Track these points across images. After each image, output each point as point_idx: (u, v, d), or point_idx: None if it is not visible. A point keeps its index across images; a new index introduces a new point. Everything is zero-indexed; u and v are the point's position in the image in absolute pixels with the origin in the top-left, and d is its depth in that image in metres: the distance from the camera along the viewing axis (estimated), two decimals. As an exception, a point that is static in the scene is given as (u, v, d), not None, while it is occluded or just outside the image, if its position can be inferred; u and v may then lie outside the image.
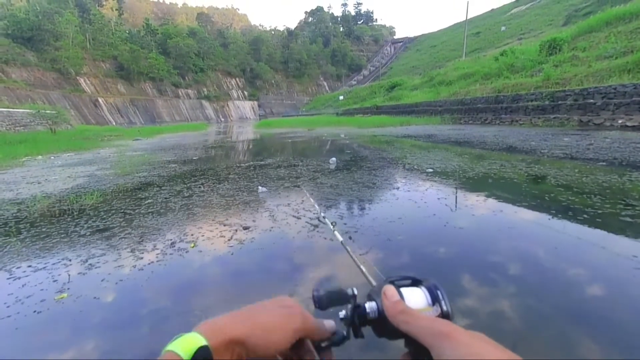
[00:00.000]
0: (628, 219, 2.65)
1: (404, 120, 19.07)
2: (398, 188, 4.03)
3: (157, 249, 2.49)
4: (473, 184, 4.13)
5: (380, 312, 0.34)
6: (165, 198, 4.01)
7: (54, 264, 2.30)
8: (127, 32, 67.02)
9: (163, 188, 4.59)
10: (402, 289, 0.35)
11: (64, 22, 50.89)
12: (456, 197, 3.63)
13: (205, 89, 71.52)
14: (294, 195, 3.91)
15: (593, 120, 10.85)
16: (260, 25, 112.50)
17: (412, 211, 3.13)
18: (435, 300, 0.34)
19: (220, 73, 76.68)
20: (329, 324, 0.38)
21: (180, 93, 66.86)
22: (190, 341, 0.28)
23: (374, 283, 0.42)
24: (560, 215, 2.82)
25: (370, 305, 0.36)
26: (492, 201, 3.38)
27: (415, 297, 0.35)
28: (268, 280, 2.03)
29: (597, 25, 17.44)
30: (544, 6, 49.49)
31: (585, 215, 2.76)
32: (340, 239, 0.95)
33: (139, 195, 4.24)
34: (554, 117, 12.19)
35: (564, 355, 1.30)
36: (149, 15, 79.79)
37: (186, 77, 68.92)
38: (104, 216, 3.34)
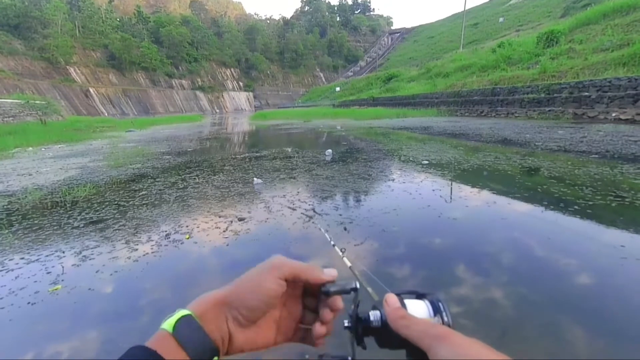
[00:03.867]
0: (618, 210, 2.70)
1: (401, 112, 19.02)
2: (393, 180, 4.05)
3: (152, 240, 2.49)
4: (468, 175, 4.16)
5: (384, 321, 0.35)
6: (160, 190, 3.98)
7: (47, 256, 2.28)
8: (118, 20, 65.37)
9: (157, 180, 4.56)
10: (406, 301, 0.36)
11: (52, 9, 49.43)
12: (451, 188, 3.65)
13: (199, 80, 70.42)
14: (290, 186, 3.91)
15: (587, 113, 10.91)
16: (255, 14, 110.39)
17: (407, 202, 3.15)
18: (436, 311, 0.35)
19: (215, 63, 75.44)
20: (330, 270, 0.37)
21: (174, 83, 65.77)
22: (175, 315, 0.31)
23: (376, 298, 0.42)
24: (552, 207, 2.86)
25: (374, 314, 0.36)
26: (486, 193, 3.41)
27: (418, 309, 0.35)
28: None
29: (595, 18, 17.39)
30: (542, -3, 49.22)
31: (576, 207, 2.80)
32: (349, 264, 0.94)
33: (133, 187, 4.20)
34: (549, 110, 12.24)
35: (553, 341, 1.33)
36: (140, 3, 77.69)
37: (180, 67, 67.72)
38: (98, 208, 3.31)
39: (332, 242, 1.17)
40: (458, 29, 44.60)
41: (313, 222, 1.71)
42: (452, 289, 1.73)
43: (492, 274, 1.85)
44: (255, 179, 4.21)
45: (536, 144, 6.43)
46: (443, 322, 0.34)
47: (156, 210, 3.19)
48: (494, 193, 3.39)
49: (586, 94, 11.07)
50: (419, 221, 2.71)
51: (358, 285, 0.37)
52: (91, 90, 51.78)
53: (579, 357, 1.25)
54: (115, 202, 3.49)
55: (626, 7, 16.16)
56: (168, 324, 0.30)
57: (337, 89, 51.17)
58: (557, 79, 12.85)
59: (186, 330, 0.29)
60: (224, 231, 2.63)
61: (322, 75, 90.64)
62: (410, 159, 5.40)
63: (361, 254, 2.13)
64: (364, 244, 2.28)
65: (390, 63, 62.43)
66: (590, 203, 2.88)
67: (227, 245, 2.38)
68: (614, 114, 10.08)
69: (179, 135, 12.85)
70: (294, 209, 3.06)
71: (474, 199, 3.22)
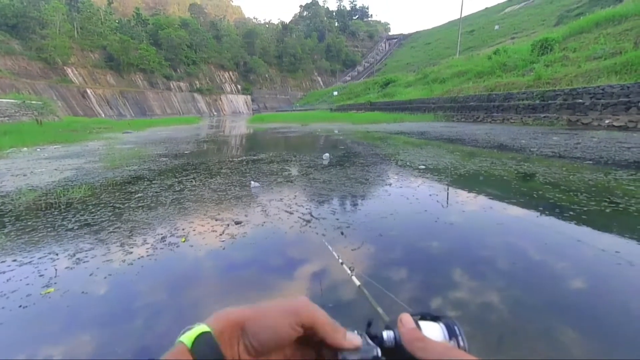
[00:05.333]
0: (612, 216, 2.72)
1: (398, 116, 19.13)
2: (390, 184, 4.06)
3: (147, 243, 2.47)
4: (464, 181, 4.18)
5: (398, 341, 0.34)
6: (156, 192, 3.96)
7: (40, 258, 2.25)
8: (117, 21, 65.30)
9: (154, 182, 4.53)
10: (420, 322, 0.35)
11: (51, 10, 49.25)
12: (447, 193, 3.67)
13: (197, 82, 70.38)
14: (287, 190, 3.90)
15: (581, 119, 11.05)
16: (254, 18, 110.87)
17: (404, 207, 3.16)
18: (452, 335, 0.34)
19: (213, 66, 75.51)
20: (353, 335, 0.34)
21: (171, 85, 65.66)
22: (195, 330, 0.30)
23: (386, 319, 0.41)
24: (548, 212, 2.88)
25: (387, 334, 0.35)
26: (482, 198, 3.43)
27: (433, 331, 0.34)
28: (260, 275, 2.03)
29: (588, 26, 17.69)
30: (537, 6, 49.97)
31: (571, 212, 2.83)
32: (358, 283, 0.90)
33: (129, 189, 4.17)
34: (544, 116, 12.38)
35: (549, 345, 1.33)
36: (139, 5, 77.81)
37: (178, 70, 67.68)
38: (93, 210, 3.28)
39: (340, 260, 1.13)
40: (454, 35, 45.08)
41: (321, 235, 1.68)
42: (449, 293, 1.73)
43: (489, 278, 1.85)
44: (252, 182, 4.21)
45: (531, 149, 6.49)
46: (459, 346, 0.33)
47: (152, 212, 3.17)
48: (490, 198, 3.41)
49: (580, 101, 11.22)
50: (416, 226, 2.72)
51: (379, 354, 0.35)
52: (88, 91, 51.53)
53: (577, 359, 1.25)
54: (111, 204, 3.46)
55: (618, 17, 16.48)
56: (187, 338, 0.29)
57: (335, 93, 51.38)
58: (552, 86, 13.02)
59: (205, 349, 0.29)
60: (221, 234, 2.61)
61: (320, 79, 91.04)
62: (407, 163, 5.42)
63: (358, 259, 2.13)
64: (361, 249, 2.27)
65: (387, 68, 62.88)
66: (585, 209, 2.90)
67: (224, 249, 2.37)
68: (607, 121, 10.22)
69: (176, 137, 12.81)
70: (291, 213, 3.05)
71: (471, 204, 3.23)
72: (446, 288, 1.78)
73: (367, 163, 5.57)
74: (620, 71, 11.24)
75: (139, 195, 3.83)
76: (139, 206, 3.38)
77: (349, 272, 1.01)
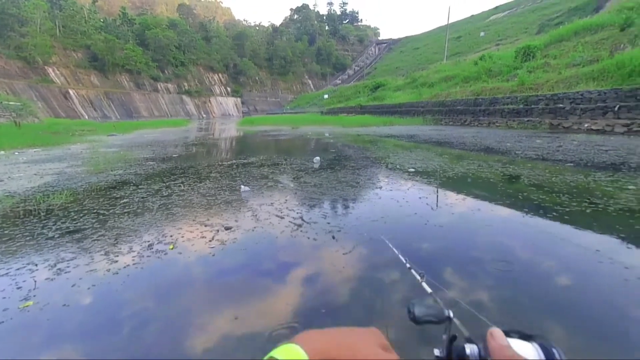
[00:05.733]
0: (592, 216, 2.80)
1: (387, 120, 19.33)
2: (381, 187, 4.08)
3: (134, 251, 2.39)
4: (452, 183, 4.24)
5: (482, 356, 0.32)
6: (143, 197, 3.86)
7: (17, 269, 2.15)
8: (102, 20, 63.85)
9: (140, 187, 4.42)
10: (510, 340, 0.32)
11: (31, 7, 47.76)
12: (437, 196, 3.71)
13: (186, 84, 69.41)
14: (278, 194, 3.87)
15: (562, 123, 11.41)
16: (244, 20, 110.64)
17: (394, 210, 3.17)
18: (549, 358, 0.31)
19: (202, 68, 74.67)
20: None
21: (159, 87, 64.53)
22: (292, 352, 0.29)
23: (466, 334, 0.39)
24: (533, 213, 2.95)
25: (470, 347, 0.33)
26: (470, 200, 3.48)
27: (526, 351, 0.32)
28: (251, 281, 1.99)
29: (567, 35, 18.32)
30: (520, 14, 51.49)
31: (554, 213, 2.90)
32: (429, 290, 0.85)
33: (114, 194, 4.05)
34: (528, 120, 12.72)
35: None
36: (125, 4, 76.32)
37: (166, 71, 66.61)
38: (75, 217, 3.17)
39: (408, 265, 1.05)
40: (442, 41, 45.99)
41: (382, 237, 1.66)
42: (439, 293, 1.73)
43: (479, 278, 1.87)
44: (242, 186, 4.15)
45: (516, 152, 6.65)
46: None
47: (138, 219, 3.09)
48: (478, 200, 3.46)
49: (561, 105, 11.59)
50: (406, 228, 2.73)
51: (451, 315, 0.34)
52: (71, 91, 50.09)
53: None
54: (95, 211, 3.35)
55: (594, 26, 17.15)
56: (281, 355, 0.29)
57: (326, 96, 51.59)
58: (534, 91, 13.41)
59: None
60: (210, 241, 2.56)
61: (310, 82, 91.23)
62: (397, 166, 5.47)
63: (349, 262, 2.12)
64: (352, 252, 2.27)
65: (377, 72, 63.55)
66: (567, 209, 2.98)
67: (213, 255, 2.32)
68: (586, 125, 10.59)
69: (163, 140, 12.58)
70: (282, 217, 3.02)
71: (459, 206, 3.27)
72: (437, 288, 1.78)
73: (357, 166, 5.59)
74: (598, 78, 11.67)
75: (125, 200, 3.72)
76: (125, 212, 3.28)
77: (418, 278, 0.94)
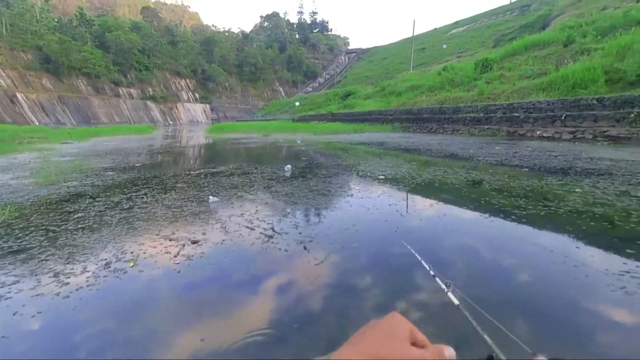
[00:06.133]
0: (546, 217, 3.01)
1: (358, 127, 19.72)
2: (352, 195, 4.11)
3: (88, 271, 2.20)
4: (421, 189, 4.38)
5: None
6: (100, 211, 3.59)
7: (-52, 296, 1.90)
8: (56, 20, 59.77)
9: (97, 199, 4.12)
10: None
11: (-27, 5, 43.78)
12: (406, 202, 3.80)
13: (150, 89, 66.48)
14: (248, 204, 3.77)
15: (518, 131, 12.31)
16: (213, 25, 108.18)
17: (365, 218, 3.20)
18: None
19: (168, 73, 72.04)
20: (448, 350, 0.35)
21: (121, 92, 61.21)
22: None
23: (502, 357, 0.37)
24: (495, 216, 3.11)
25: None
26: (437, 205, 3.61)
27: None
28: (220, 296, 1.90)
29: (519, 50, 19.91)
30: (477, 29, 55.26)
31: (513, 216, 3.08)
32: (456, 302, 0.76)
33: (67, 208, 3.74)
34: (488, 128, 13.58)
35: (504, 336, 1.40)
36: (83, 4, 72.00)
37: (128, 75, 63.45)
38: (20, 235, 2.87)
39: (432, 272, 1.00)
40: (408, 52, 48.05)
41: (404, 243, 1.62)
42: (412, 296, 1.76)
43: (447, 279, 1.92)
44: (210, 197, 4.01)
45: (478, 158, 7.04)
46: None
47: (95, 235, 2.86)
48: (444, 205, 3.60)
49: (516, 114, 12.51)
50: (376, 236, 2.76)
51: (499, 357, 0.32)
52: (19, 95, 46.03)
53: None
54: (44, 227, 3.06)
55: (542, 42, 18.81)
56: None
57: (297, 103, 51.71)
58: (493, 101, 14.38)
59: None
60: (175, 256, 2.43)
61: (281, 89, 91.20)
62: (368, 174, 5.56)
63: (322, 272, 2.10)
64: (325, 262, 2.24)
65: (347, 80, 64.94)
66: (525, 212, 3.18)
67: (179, 272, 2.19)
68: (538, 132, 11.49)
69: (125, 148, 11.90)
70: (252, 229, 2.94)
71: (427, 211, 3.38)
72: (408, 292, 1.81)
73: (329, 174, 5.62)
74: (546, 89, 12.77)
75: (79, 215, 3.44)
76: (79, 228, 3.03)
77: (444, 287, 0.87)
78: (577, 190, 3.99)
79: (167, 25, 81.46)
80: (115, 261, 2.35)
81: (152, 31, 69.47)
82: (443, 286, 0.88)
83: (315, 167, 6.56)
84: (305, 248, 2.50)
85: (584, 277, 1.97)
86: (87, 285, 2.01)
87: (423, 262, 1.11)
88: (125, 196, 4.26)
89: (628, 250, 2.28)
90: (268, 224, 3.07)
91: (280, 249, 2.50)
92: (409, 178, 5.08)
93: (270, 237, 2.74)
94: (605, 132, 9.53)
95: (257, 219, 3.23)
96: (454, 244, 2.59)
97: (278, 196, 4.10)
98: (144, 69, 65.93)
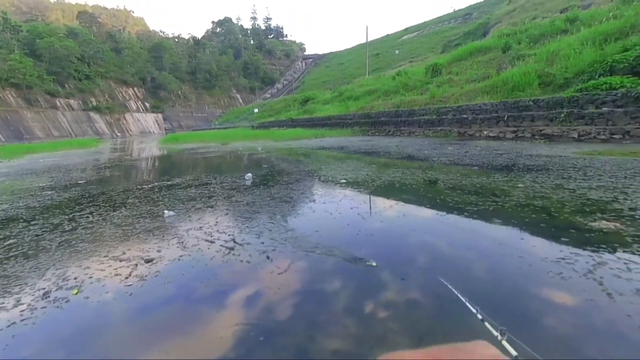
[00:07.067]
0: (495, 211, 3.27)
1: (319, 132, 19.93)
2: (314, 201, 4.13)
3: (22, 303, 1.96)
4: (381, 191, 4.53)
5: None
6: (37, 235, 3.22)
7: None
8: (-24, 26, 53.05)
9: (33, 223, 3.69)
10: None
11: None
12: (367, 205, 3.90)
13: (93, 99, 61.29)
14: (207, 216, 3.61)
15: (467, 131, 13.26)
16: (161, 31, 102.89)
17: (328, 222, 3.23)
18: None
19: (113, 81, 67.05)
20: None
21: (58, 103, 55.63)
22: None
23: None
24: (450, 212, 3.31)
25: None
26: (397, 206, 3.75)
27: None
28: (178, 317, 1.78)
29: (464, 55, 21.54)
30: (426, 36, 58.92)
31: (466, 213, 3.30)
32: (514, 353, 0.62)
33: (-5, 234, 3.29)
34: (440, 129, 14.46)
35: (467, 329, 1.47)
36: (7, 9, 64.58)
37: (66, 85, 57.92)
38: None
39: (480, 316, 0.85)
40: (363, 57, 49.73)
41: (440, 279, 1.56)
42: (378, 296, 1.80)
43: (410, 277, 1.99)
44: (166, 211, 3.78)
45: (433, 159, 7.46)
46: None
47: (30, 262, 2.55)
48: (404, 205, 3.75)
49: (465, 116, 13.47)
50: (340, 240, 2.79)
51: None
52: None
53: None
54: (-35, 259, 2.66)
55: (484, 48, 20.53)
56: None
57: (256, 110, 50.93)
58: (444, 103, 15.36)
59: None
60: (127, 278, 2.24)
61: (239, 96, 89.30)
62: (330, 178, 5.63)
63: (284, 283, 2.07)
64: (288, 271, 2.22)
65: (305, 86, 65.54)
66: (476, 208, 3.42)
67: (130, 294, 2.03)
68: (485, 132, 12.48)
69: (67, 165, 10.83)
70: (212, 242, 2.82)
71: (388, 212, 3.50)
72: (372, 293, 1.84)
73: (291, 180, 5.59)
74: (490, 92, 13.95)
75: (11, 241, 3.05)
76: (11, 257, 2.68)
77: (497, 335, 0.71)
78: (520, 185, 4.38)
79: (109, 30, 75.87)
80: (56, 290, 2.11)
81: (91, 37, 64.29)
82: (496, 333, 0.74)
83: (277, 174, 6.50)
84: (268, 258, 2.45)
85: (527, 267, 2.15)
86: (22, 320, 1.78)
87: (468, 304, 1.00)
88: (66, 217, 3.87)
89: (563, 239, 2.54)
90: (229, 235, 2.96)
91: (242, 261, 2.42)
92: (370, 181, 5.22)
93: (232, 249, 2.65)
94: (541, 130, 10.61)
95: (217, 231, 3.10)
96: (413, 243, 2.71)
97: (239, 206, 3.99)
98: (84, 78, 60.65)
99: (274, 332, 1.61)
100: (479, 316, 0.84)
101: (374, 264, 2.25)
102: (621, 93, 8.90)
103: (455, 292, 1.20)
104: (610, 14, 14.35)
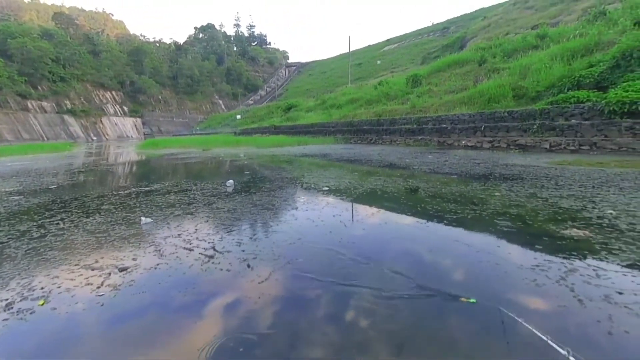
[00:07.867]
0: (474, 219, 3.38)
1: (302, 140, 19.97)
2: (297, 208, 4.12)
3: (-19, 318, 1.82)
4: (363, 199, 4.58)
5: None
6: (1, 243, 3.03)
7: None
8: (-60, 22, 50.07)
9: (-4, 230, 3.46)
10: None
11: None
12: (349, 212, 3.93)
13: (68, 102, 58.83)
14: (187, 224, 3.52)
15: (447, 141, 13.69)
16: (141, 35, 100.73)
17: (310, 230, 3.22)
18: None
19: (90, 84, 64.75)
20: None
21: (30, 105, 53.02)
22: None
23: None
24: (430, 220, 3.38)
25: None
26: (379, 214, 3.80)
27: None
28: (153, 328, 1.72)
29: (443, 67, 22.35)
30: (407, 47, 60.81)
31: (446, 220, 3.39)
32: None
33: (-47, 243, 3.07)
34: (421, 138, 14.85)
35: (447, 332, 1.50)
36: (-23, 6, 61.46)
37: (39, 87, 55.36)
38: None
39: (549, 340, 0.83)
40: (346, 66, 50.60)
41: (500, 308, 1.51)
42: (360, 303, 1.80)
43: (390, 284, 2.01)
44: (143, 218, 3.66)
45: (414, 167, 7.64)
46: None
47: (-9, 273, 2.39)
48: (385, 213, 3.81)
49: (444, 125, 13.92)
50: (322, 249, 2.78)
51: None
52: None
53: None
54: None
55: (461, 61, 21.39)
56: None
57: (238, 116, 50.49)
58: (424, 113, 15.82)
59: None
60: (99, 287, 2.14)
61: (221, 102, 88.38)
62: (312, 185, 5.64)
63: (265, 291, 2.04)
64: (269, 280, 2.19)
65: (289, 94, 65.77)
66: (455, 216, 3.52)
67: (102, 305, 1.94)
68: (463, 142, 12.92)
69: (37, 169, 10.29)
70: (190, 250, 2.74)
71: (370, 220, 3.54)
72: (355, 300, 1.85)
73: (273, 187, 5.55)
74: (467, 103, 14.51)
75: (-30, 251, 2.85)
76: (-31, 267, 2.50)
77: (564, 353, 0.72)
78: (496, 194, 4.53)
79: (87, 33, 73.43)
80: (20, 300, 1.99)
81: (67, 39, 62.05)
82: (563, 352, 0.79)
83: (259, 180, 6.44)
84: (248, 266, 2.41)
85: (503, 273, 2.22)
86: (-21, 337, 1.66)
87: (537, 332, 0.95)
88: (35, 223, 3.66)
89: (537, 246, 2.63)
90: (208, 243, 2.90)
91: (221, 269, 2.37)
92: (352, 188, 5.27)
93: (211, 257, 2.59)
94: (516, 141, 11.12)
95: (197, 238, 3.03)
96: (395, 250, 2.74)
97: (220, 213, 3.92)
98: (59, 80, 58.26)
99: (254, 342, 1.58)
100: (548, 340, 0.80)
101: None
102: (587, 106, 9.50)
103: (523, 322, 1.12)
104: (577, 31, 15.33)
